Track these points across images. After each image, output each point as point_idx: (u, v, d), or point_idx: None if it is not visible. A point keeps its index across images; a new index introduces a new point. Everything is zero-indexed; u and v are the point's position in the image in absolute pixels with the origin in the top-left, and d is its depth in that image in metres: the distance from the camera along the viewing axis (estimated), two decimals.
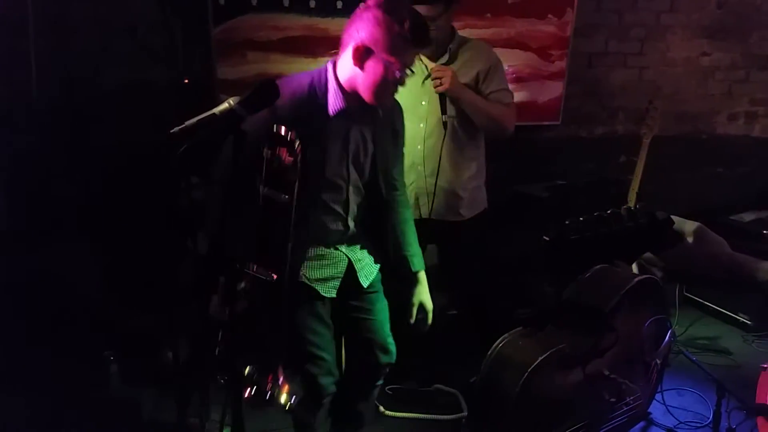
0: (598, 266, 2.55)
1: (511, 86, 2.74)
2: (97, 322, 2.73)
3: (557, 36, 3.67)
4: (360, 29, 1.78)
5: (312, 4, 3.20)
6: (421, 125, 2.64)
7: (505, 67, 2.83)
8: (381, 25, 1.76)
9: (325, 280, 2.01)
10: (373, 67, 1.79)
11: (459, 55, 2.62)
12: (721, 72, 4.09)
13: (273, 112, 1.75)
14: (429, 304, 2.18)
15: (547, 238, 0.94)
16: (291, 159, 1.69)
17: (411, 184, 2.67)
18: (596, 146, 3.95)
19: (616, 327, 2.32)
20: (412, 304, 2.16)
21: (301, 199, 1.74)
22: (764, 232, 3.63)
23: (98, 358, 2.69)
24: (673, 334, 2.58)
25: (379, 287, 2.17)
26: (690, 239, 0.92)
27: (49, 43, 2.85)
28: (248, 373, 1.71)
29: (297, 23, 3.20)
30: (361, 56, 1.79)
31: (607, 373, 2.31)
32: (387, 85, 1.84)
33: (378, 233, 2.12)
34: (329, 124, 1.88)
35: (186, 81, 3.11)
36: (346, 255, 2.04)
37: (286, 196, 1.68)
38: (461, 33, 2.70)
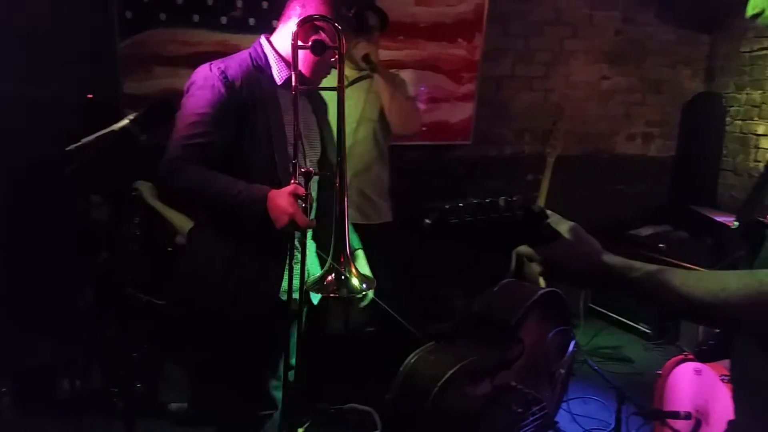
0: (506, 280, 2.63)
1: (424, 107, 2.85)
2: None
3: (467, 59, 3.79)
4: (306, 4, 1.82)
5: (223, 20, 3.18)
6: None
7: (421, 88, 2.95)
8: (329, 4, 1.80)
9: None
10: None
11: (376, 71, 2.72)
12: (619, 95, 4.34)
13: (229, 85, 1.78)
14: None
15: (428, 221, 0.96)
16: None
17: None
18: (505, 165, 4.09)
19: (522, 339, 2.39)
20: None
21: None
22: (660, 245, 3.86)
23: None
24: (576, 345, 2.68)
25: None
26: (566, 236, 0.98)
27: None
28: (328, 264, 1.73)
29: (208, 39, 3.16)
30: (306, 31, 1.79)
31: (514, 384, 2.36)
32: (324, 63, 1.86)
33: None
34: (278, 93, 1.88)
35: (90, 96, 3.01)
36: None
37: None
38: None
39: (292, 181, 1.73)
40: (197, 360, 2.04)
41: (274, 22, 1.92)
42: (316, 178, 2.01)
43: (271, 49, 1.89)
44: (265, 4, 3.21)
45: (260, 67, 1.87)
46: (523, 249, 1.06)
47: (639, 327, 3.90)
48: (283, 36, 1.87)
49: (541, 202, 3.54)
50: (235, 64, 1.84)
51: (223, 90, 1.77)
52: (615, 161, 4.40)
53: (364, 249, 2.83)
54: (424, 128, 3.21)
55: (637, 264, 1.02)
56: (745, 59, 4.10)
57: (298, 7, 1.84)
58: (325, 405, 2.94)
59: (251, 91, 1.81)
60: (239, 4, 3.19)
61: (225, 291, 1.87)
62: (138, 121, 1.38)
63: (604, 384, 2.81)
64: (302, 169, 1.71)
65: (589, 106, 4.26)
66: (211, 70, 1.81)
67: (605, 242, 1.08)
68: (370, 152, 2.79)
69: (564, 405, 2.80)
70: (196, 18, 3.15)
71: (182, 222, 2.68)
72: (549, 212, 1.07)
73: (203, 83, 1.80)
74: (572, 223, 1.06)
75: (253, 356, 1.96)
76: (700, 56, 4.40)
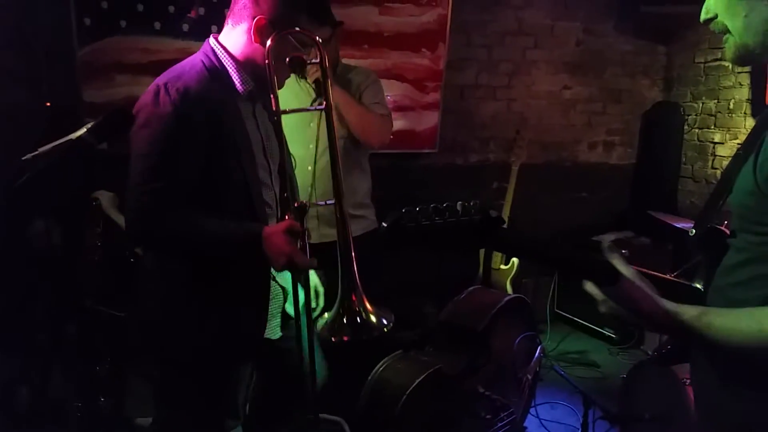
0: (473, 287, 2.65)
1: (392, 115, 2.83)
2: None
3: (431, 69, 3.82)
4: (261, 2, 1.62)
5: (185, 27, 3.14)
6: (311, 146, 2.64)
7: (387, 97, 2.91)
8: (288, 4, 1.63)
9: (271, 317, 1.84)
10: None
11: (343, 77, 2.66)
12: (581, 104, 4.41)
13: (193, 109, 1.55)
14: (320, 287, 2.08)
15: (385, 225, 0.97)
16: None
17: None
18: (470, 173, 4.12)
19: (489, 345, 2.41)
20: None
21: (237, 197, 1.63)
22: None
23: None
24: (542, 350, 2.70)
25: None
26: (631, 279, 1.01)
27: None
28: (338, 304, 1.57)
29: (170, 46, 3.12)
30: (264, 32, 1.62)
31: (482, 390, 2.37)
32: (284, 68, 1.67)
33: None
34: (241, 104, 1.69)
35: (48, 104, 2.94)
36: (280, 286, 1.86)
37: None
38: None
39: (287, 217, 1.59)
40: (160, 385, 1.91)
41: None
42: (277, 177, 1.83)
43: (224, 53, 1.68)
44: (227, 11, 3.18)
45: (217, 77, 1.64)
46: (592, 290, 1.12)
47: (604, 332, 3.95)
48: (237, 38, 1.67)
49: (506, 209, 3.58)
50: (193, 79, 1.58)
51: (186, 116, 1.53)
52: (578, 169, 4.47)
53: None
54: (390, 136, 3.21)
55: (683, 308, 1.09)
56: (700, 69, 4.21)
57: (252, 5, 1.63)
58: (295, 416, 2.89)
59: (214, 109, 1.59)
60: (201, 11, 3.16)
61: (199, 339, 1.69)
62: (94, 131, 1.34)
63: (570, 389, 2.84)
64: (295, 204, 1.53)
65: (551, 115, 4.32)
66: (167, 91, 1.54)
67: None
68: (343, 167, 2.72)
69: (532, 410, 2.82)
70: (157, 25, 3.10)
71: None
72: (614, 253, 1.13)
73: (158, 110, 1.53)
74: (632, 267, 1.11)
75: (216, 392, 1.80)
76: (658, 66, 4.51)
